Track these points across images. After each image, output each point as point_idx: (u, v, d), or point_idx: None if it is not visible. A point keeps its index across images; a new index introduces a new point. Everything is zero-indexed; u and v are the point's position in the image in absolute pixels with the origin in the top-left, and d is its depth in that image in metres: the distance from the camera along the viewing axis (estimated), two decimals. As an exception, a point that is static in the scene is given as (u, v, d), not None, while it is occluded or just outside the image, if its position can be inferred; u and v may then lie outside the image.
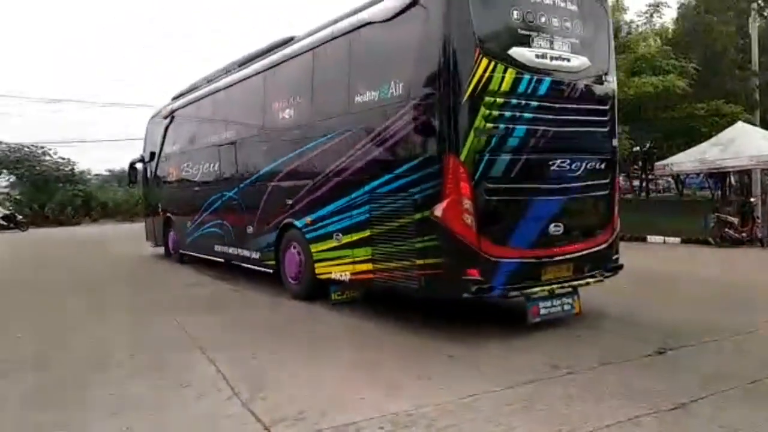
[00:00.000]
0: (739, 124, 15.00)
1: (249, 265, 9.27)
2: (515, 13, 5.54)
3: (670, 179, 29.32)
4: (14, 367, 5.13)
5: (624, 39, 16.95)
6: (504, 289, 5.52)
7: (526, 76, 5.54)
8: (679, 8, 21.07)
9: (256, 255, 8.88)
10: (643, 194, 27.08)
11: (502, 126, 5.46)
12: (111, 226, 27.60)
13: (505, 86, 5.42)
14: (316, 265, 7.32)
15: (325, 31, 7.19)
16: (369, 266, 6.32)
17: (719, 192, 24.32)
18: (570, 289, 5.98)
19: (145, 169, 14.36)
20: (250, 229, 8.94)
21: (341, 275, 6.84)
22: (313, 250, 7.32)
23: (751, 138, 13.95)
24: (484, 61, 5.30)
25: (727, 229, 13.20)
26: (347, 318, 6.74)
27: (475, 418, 3.68)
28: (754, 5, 19.35)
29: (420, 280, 5.66)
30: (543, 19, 5.69)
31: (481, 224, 5.35)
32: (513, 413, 3.74)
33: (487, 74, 5.31)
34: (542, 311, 5.72)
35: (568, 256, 5.94)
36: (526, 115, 5.57)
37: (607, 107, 6.34)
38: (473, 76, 5.27)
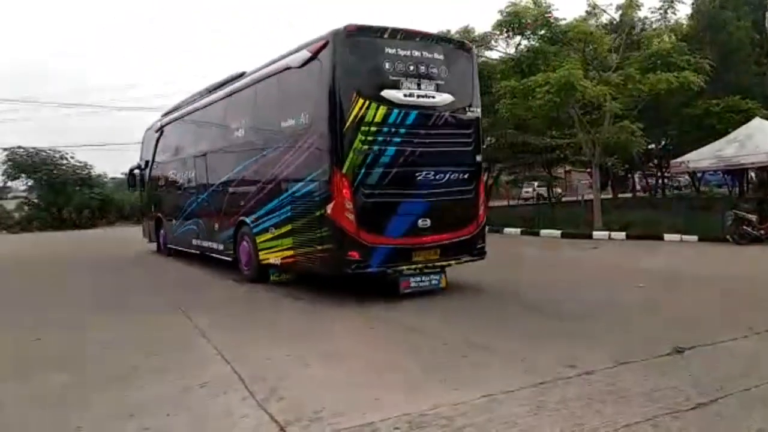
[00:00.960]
0: (757, 120, 14.81)
1: (216, 255, 11.20)
2: (387, 64, 7.50)
3: (687, 176, 29.01)
4: (33, 368, 5.21)
5: (637, 36, 16.80)
6: (379, 267, 7.49)
7: (395, 110, 7.48)
8: (693, 4, 20.84)
9: (221, 247, 10.87)
10: (659, 192, 26.85)
11: (375, 147, 7.40)
12: (126, 228, 27.82)
13: (378, 118, 7.37)
14: (260, 253, 9.18)
15: (263, 71, 9.22)
16: (291, 252, 8.33)
17: (737, 189, 24.03)
18: (438, 269, 7.98)
19: (141, 176, 16.25)
20: (216, 227, 11.01)
21: (275, 260, 8.77)
22: (257, 242, 9.23)
23: (769, 134, 13.77)
24: (360, 101, 7.25)
25: (745, 227, 13.01)
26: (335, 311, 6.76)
27: (491, 418, 3.67)
28: (770, -1, 19.16)
29: (318, 260, 7.72)
30: (411, 68, 7.66)
31: (359, 219, 7.28)
32: (529, 413, 3.71)
33: (362, 110, 7.26)
34: (412, 284, 7.78)
35: (435, 244, 7.85)
36: (396, 138, 7.53)
37: (470, 131, 8.31)
38: (352, 112, 7.21)
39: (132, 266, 13.70)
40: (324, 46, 7.48)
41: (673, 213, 16.04)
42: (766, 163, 13.92)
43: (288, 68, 8.30)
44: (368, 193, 7.37)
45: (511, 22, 16.26)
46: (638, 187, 32.31)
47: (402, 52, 7.62)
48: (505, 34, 17.08)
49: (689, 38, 17.39)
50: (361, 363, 5.03)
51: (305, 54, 7.85)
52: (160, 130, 14.38)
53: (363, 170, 7.34)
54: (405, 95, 7.52)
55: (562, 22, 16.27)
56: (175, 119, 13.42)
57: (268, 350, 5.42)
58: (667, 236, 14.21)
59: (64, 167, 31.99)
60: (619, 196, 29.98)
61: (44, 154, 31.69)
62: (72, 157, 32.47)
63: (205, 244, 11.67)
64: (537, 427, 3.52)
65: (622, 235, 14.97)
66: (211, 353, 5.43)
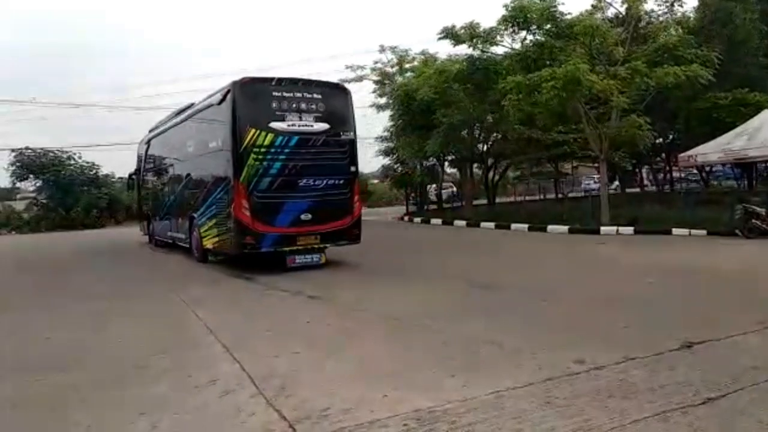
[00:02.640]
0: (765, 112, 14.73)
1: (181, 243, 14.07)
2: (274, 104, 10.35)
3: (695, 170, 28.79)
4: (43, 366, 5.24)
5: (644, 29, 16.68)
6: (268, 248, 10.36)
7: (280, 136, 10.33)
8: (700, -4, 20.68)
9: (183, 237, 13.77)
10: (667, 187, 26.69)
11: (264, 163, 10.27)
12: (133, 229, 27.97)
13: (266, 142, 10.24)
14: (202, 240, 12.23)
15: (198, 105, 12.57)
16: (216, 239, 11.49)
17: (746, 182, 23.85)
18: (318, 250, 10.84)
19: (137, 180, 19.63)
20: (179, 221, 13.96)
21: (210, 246, 11.94)
22: (201, 232, 12.24)
23: (778, 127, 13.66)
24: (253, 130, 10.17)
25: (754, 220, 12.92)
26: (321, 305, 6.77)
27: (499, 414, 3.66)
28: (779, -10, 18.98)
29: (229, 244, 10.84)
30: (294, 105, 10.52)
31: (253, 214, 10.15)
32: (538, 409, 3.71)
33: (255, 137, 10.18)
34: (297, 261, 10.64)
35: (315, 232, 10.62)
36: (281, 156, 10.37)
37: (344, 149, 11.07)
38: (246, 138, 10.15)
39: (124, 254, 16.90)
40: (228, 92, 10.50)
41: (682, 207, 15.93)
42: (775, 156, 13.84)
43: (210, 105, 11.49)
44: (260, 195, 10.25)
45: (517, 17, 16.19)
46: (645, 181, 32.13)
47: (286, 95, 10.53)
48: (511, 29, 17.00)
49: (696, 31, 17.28)
50: (366, 359, 5.03)
51: (218, 96, 10.97)
52: (147, 143, 17.69)
53: (255, 179, 10.21)
54: (288, 125, 10.42)
55: (568, 17, 16.19)
56: (155, 135, 16.78)
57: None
58: (675, 231, 14.12)
59: (71, 167, 32.17)
60: (627, 190, 29.87)
61: (52, 154, 31.91)
62: (79, 158, 32.68)
63: (175, 235, 14.67)
64: (545, 423, 3.51)
65: (629, 230, 14.90)
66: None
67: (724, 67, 15.84)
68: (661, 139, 23.34)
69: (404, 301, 7.72)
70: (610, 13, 17.93)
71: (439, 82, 20.12)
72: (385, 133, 27.04)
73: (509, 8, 16.22)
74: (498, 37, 17.71)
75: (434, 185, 30.34)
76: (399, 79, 26.36)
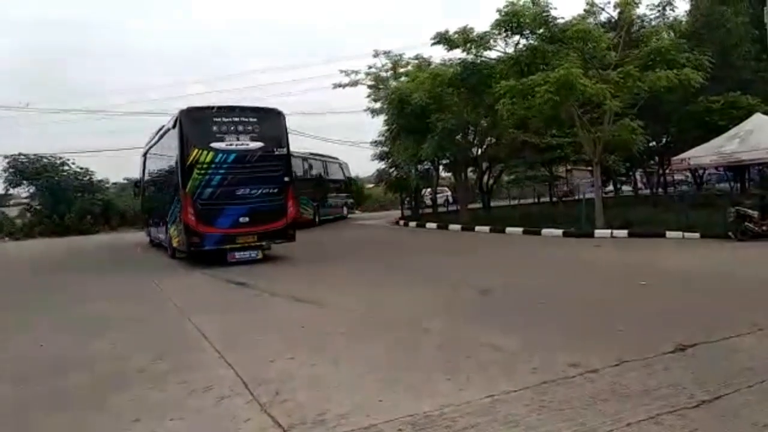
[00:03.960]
0: (757, 116, 14.81)
1: (163, 243, 16.01)
2: (214, 128, 12.32)
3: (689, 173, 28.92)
4: (37, 371, 5.22)
5: (636, 33, 16.77)
6: (211, 247, 12.41)
7: (220, 154, 12.28)
8: (691, 0, 20.82)
9: (163, 237, 15.85)
10: (660, 190, 26.79)
11: (206, 176, 12.21)
12: (125, 234, 27.87)
13: (208, 159, 12.22)
14: (171, 241, 14.29)
15: (164, 127, 14.54)
16: (177, 239, 13.47)
17: (738, 185, 23.98)
18: (256, 247, 12.81)
19: (141, 188, 21.36)
20: (161, 225, 15.81)
21: (175, 245, 13.94)
22: (170, 233, 14.27)
23: (770, 130, 13.75)
24: (196, 150, 12.17)
25: (747, 223, 12.98)
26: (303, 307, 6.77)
27: (494, 419, 3.67)
28: (769, -6, 19.11)
29: (182, 243, 12.85)
30: (232, 128, 12.47)
31: (197, 218, 12.15)
32: (532, 413, 3.72)
33: (198, 155, 12.17)
34: (237, 256, 12.62)
35: (253, 232, 12.57)
36: (221, 170, 12.30)
37: (278, 163, 12.90)
38: (191, 156, 12.16)
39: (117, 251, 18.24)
40: (178, 119, 12.53)
41: (675, 210, 16.00)
42: (766, 159, 13.92)
43: (169, 129, 13.60)
44: (203, 203, 12.25)
45: (510, 22, 16.26)
46: (639, 185, 32.25)
47: (225, 120, 12.47)
48: (504, 34, 17.06)
49: (688, 35, 17.35)
50: (361, 363, 5.02)
51: (172, 122, 13.00)
52: (144, 155, 19.63)
53: (198, 190, 12.21)
54: (226, 145, 12.39)
55: (561, 21, 16.27)
56: (147, 149, 18.68)
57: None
58: (669, 233, 14.17)
59: (65, 173, 32.02)
60: (622, 191, 29.95)
61: (45, 160, 31.72)
62: (73, 163, 32.54)
63: (160, 236, 16.51)
64: (539, 427, 3.52)
65: (623, 232, 14.95)
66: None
67: (716, 71, 15.93)
68: (654, 143, 23.43)
69: (399, 304, 7.72)
70: (603, 17, 18.01)
71: (433, 86, 20.16)
72: (380, 138, 27.05)
73: (502, 13, 16.27)
74: (491, 42, 17.75)
75: (429, 189, 30.37)
76: (393, 83, 26.40)
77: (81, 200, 31.07)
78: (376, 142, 27.81)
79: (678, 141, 21.31)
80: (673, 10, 17.32)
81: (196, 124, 12.42)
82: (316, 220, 25.22)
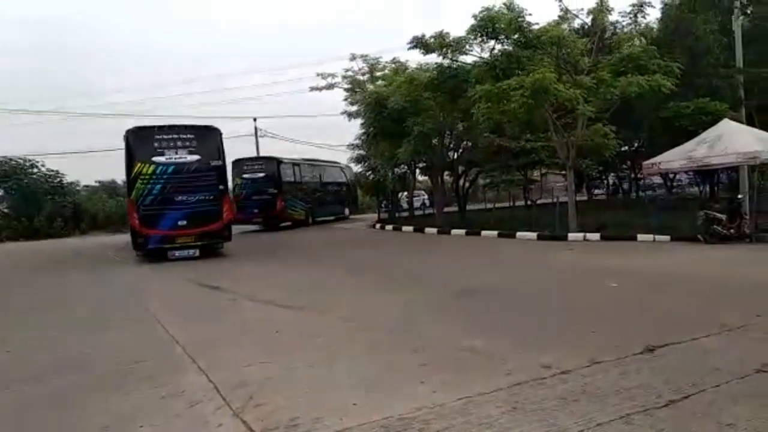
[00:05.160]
0: (725, 121, 15.11)
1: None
2: (155, 144, 14.07)
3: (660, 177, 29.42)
4: (2, 377, 5.10)
5: (609, 40, 17.06)
6: (153, 246, 14.31)
7: (160, 166, 14.05)
8: (662, 8, 21.26)
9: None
10: (633, 193, 27.24)
11: (148, 186, 14.04)
12: (97, 238, 27.40)
13: (150, 171, 14.04)
14: (131, 241, 15.48)
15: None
16: (131, 239, 15.05)
17: (707, 189, 24.52)
18: (194, 247, 14.61)
19: None
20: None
21: (132, 244, 15.21)
22: (132, 235, 15.22)
23: (738, 135, 14.05)
24: (139, 164, 14.08)
25: (715, 226, 13.28)
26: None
27: (468, 421, 3.69)
28: (737, 3, 19.58)
29: (134, 244, 14.71)
30: (171, 144, 14.19)
31: (141, 222, 14.08)
32: (504, 415, 3.75)
33: (141, 168, 14.06)
34: (177, 254, 14.38)
35: (190, 233, 14.38)
36: (161, 180, 14.09)
37: (213, 173, 14.63)
38: (135, 168, 14.09)
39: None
40: (126, 136, 14.40)
41: (646, 214, 16.31)
42: (734, 163, 14.26)
43: (124, 144, 14.88)
44: (145, 208, 14.18)
45: (485, 27, 16.41)
46: (612, 188, 32.78)
47: (165, 137, 14.28)
48: (480, 39, 17.21)
49: (659, 42, 17.70)
50: (336, 366, 5.00)
51: (123, 139, 14.63)
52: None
53: (141, 197, 14.17)
54: (166, 159, 14.18)
55: (535, 27, 16.47)
56: None
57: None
58: (640, 236, 14.44)
59: (34, 176, 31.35)
60: (595, 194, 30.40)
61: (14, 162, 31.03)
62: (42, 165, 31.87)
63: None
64: (512, 428, 3.55)
65: (596, 236, 15.17)
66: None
67: (686, 77, 16.27)
68: (626, 147, 23.84)
69: (375, 307, 7.71)
70: (577, 23, 18.30)
71: (410, 90, 20.24)
72: (357, 141, 27.06)
73: (478, 18, 16.43)
74: (467, 47, 17.90)
75: (406, 192, 30.46)
76: (370, 87, 26.43)
77: (51, 203, 30.44)
78: (353, 145, 27.82)
79: (649, 145, 21.70)
80: (645, 18, 17.61)
81: (140, 141, 14.29)
82: (310, 220, 27.12)
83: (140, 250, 14.91)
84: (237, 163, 25.21)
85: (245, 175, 25.21)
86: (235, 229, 25.80)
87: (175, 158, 14.22)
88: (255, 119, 39.30)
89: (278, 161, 25.45)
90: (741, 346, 5.16)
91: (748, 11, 19.71)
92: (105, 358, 5.69)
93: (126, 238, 17.63)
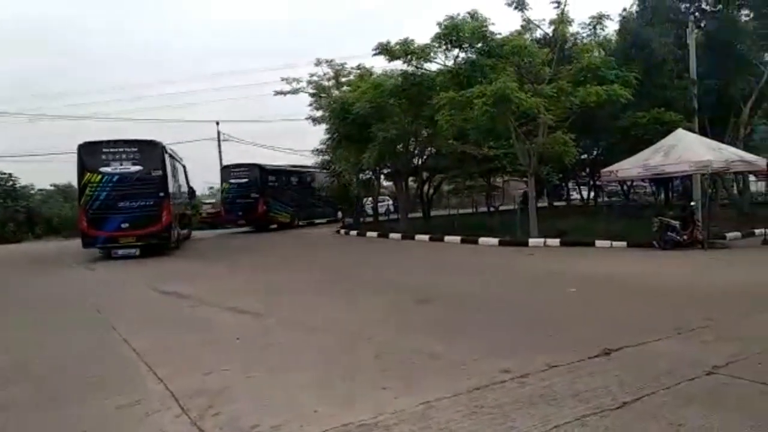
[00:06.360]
0: (680, 131, 15.62)
1: None
2: (103, 156, 16.22)
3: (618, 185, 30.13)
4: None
5: (569, 50, 17.47)
6: (99, 245, 16.74)
7: (107, 176, 16.18)
8: (620, 20, 21.87)
9: None
10: (592, 200, 27.84)
11: (95, 193, 16.18)
12: (51, 243, 26.59)
13: (97, 180, 16.19)
14: None
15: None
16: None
17: (662, 196, 25.27)
18: (135, 246, 16.44)
19: None
20: None
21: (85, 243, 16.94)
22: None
23: (691, 144, 14.56)
24: (88, 174, 16.27)
25: (669, 233, 13.69)
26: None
27: (428, 425, 3.72)
28: (691, 17, 20.30)
29: (83, 243, 16.70)
30: (117, 156, 16.30)
31: (89, 224, 16.28)
32: (464, 419, 3.79)
33: (89, 177, 16.25)
34: (120, 253, 16.44)
35: (132, 235, 16.22)
36: (107, 188, 16.18)
37: (154, 182, 16.45)
38: (84, 178, 16.32)
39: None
40: (78, 150, 16.22)
41: (605, 220, 16.71)
42: (688, 172, 14.74)
43: (77, 156, 16.49)
44: (92, 212, 16.15)
45: (450, 35, 16.62)
46: (572, 195, 33.47)
47: (113, 150, 16.26)
48: (444, 47, 17.42)
49: (617, 53, 18.23)
50: (297, 373, 4.97)
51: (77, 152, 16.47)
52: None
53: (89, 203, 16.16)
54: (111, 169, 16.18)
55: (498, 36, 16.76)
56: None
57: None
58: (598, 242, 14.78)
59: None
60: (555, 204, 31.00)
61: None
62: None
63: None
64: (472, 432, 3.60)
65: (556, 242, 15.47)
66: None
67: (642, 88, 16.76)
68: (585, 155, 24.37)
69: (338, 313, 7.70)
70: (538, 34, 18.69)
71: (375, 96, 20.32)
72: (322, 146, 26.98)
73: (442, 26, 16.64)
74: (432, 54, 18.10)
75: (370, 198, 30.52)
76: (335, 92, 26.42)
77: (2, 207, 29.41)
78: (317, 150, 27.73)
79: (608, 153, 22.20)
80: (603, 30, 18.12)
81: (90, 153, 16.24)
82: (296, 222, 28.88)
83: (88, 248, 16.85)
84: (224, 169, 28.17)
85: (231, 180, 27.33)
86: (222, 230, 28.26)
87: (120, 169, 16.27)
88: (218, 123, 38.81)
89: (261, 167, 27.39)
90: (692, 348, 5.33)
91: (702, 25, 20.46)
92: (56, 368, 5.53)
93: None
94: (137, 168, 16.36)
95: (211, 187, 40.72)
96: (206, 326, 7.33)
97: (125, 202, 16.18)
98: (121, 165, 16.24)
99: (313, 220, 30.64)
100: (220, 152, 37.94)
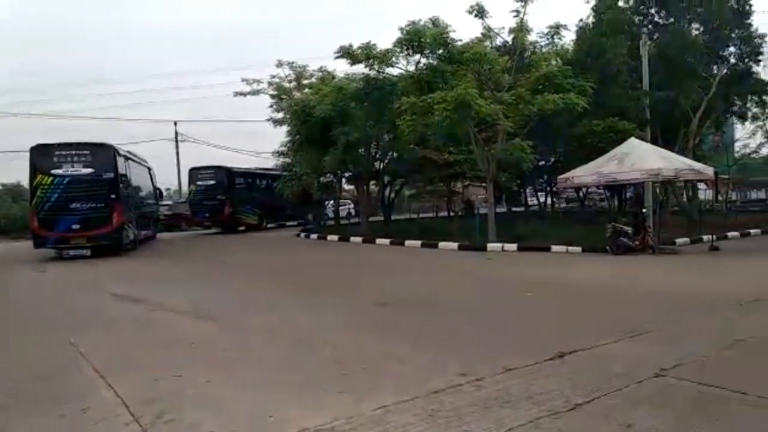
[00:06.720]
0: (633, 140, 16.09)
1: None
2: (55, 159, 16.35)
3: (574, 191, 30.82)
4: None
5: (528, 59, 17.81)
6: (50, 245, 16.77)
7: (58, 178, 16.29)
8: (577, 31, 22.44)
9: None
10: (549, 206, 28.39)
11: (47, 195, 16.30)
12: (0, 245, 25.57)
13: (48, 182, 16.31)
14: None
15: None
16: None
17: (616, 203, 25.98)
18: (86, 247, 16.56)
19: None
20: None
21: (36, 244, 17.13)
22: None
23: (643, 153, 15.02)
24: (40, 175, 16.39)
25: (622, 238, 14.10)
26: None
27: (385, 429, 3.72)
28: (644, 29, 21.00)
29: (34, 243, 16.82)
30: (68, 159, 16.39)
31: (40, 225, 16.45)
32: (421, 422, 3.80)
33: (41, 179, 16.36)
34: (71, 253, 16.55)
35: (83, 236, 16.38)
36: (59, 189, 16.30)
37: (105, 184, 16.64)
38: (36, 179, 16.46)
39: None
40: (30, 151, 16.52)
41: (561, 226, 17.08)
42: (640, 179, 15.20)
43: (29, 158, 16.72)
44: (44, 213, 16.32)
45: (411, 41, 16.75)
46: (531, 201, 34.05)
47: (65, 153, 16.40)
48: (406, 52, 17.53)
49: (573, 62, 18.68)
50: (252, 378, 4.90)
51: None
52: None
53: (40, 204, 16.32)
54: (63, 171, 16.32)
55: (459, 43, 16.97)
56: None
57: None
58: (554, 248, 15.10)
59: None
60: (513, 210, 31.50)
61: None
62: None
63: None
64: (428, 436, 3.61)
65: (513, 246, 15.72)
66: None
67: (597, 97, 17.23)
68: (543, 162, 24.87)
69: (295, 317, 7.63)
70: (498, 41, 18.99)
71: (337, 99, 20.29)
72: (282, 148, 26.75)
73: (404, 32, 16.75)
74: (393, 59, 18.20)
75: (332, 201, 30.42)
76: (297, 94, 26.25)
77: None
78: (278, 152, 27.48)
79: (564, 160, 22.70)
80: (561, 39, 18.60)
81: (42, 155, 16.42)
82: (264, 224, 29.06)
83: (39, 248, 16.87)
84: (192, 171, 27.99)
85: (198, 182, 27.38)
86: (189, 232, 28.37)
87: (71, 171, 16.41)
88: (176, 123, 38.10)
89: (228, 170, 27.54)
90: (642, 351, 5.49)
91: (655, 37, 21.19)
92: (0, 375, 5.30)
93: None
94: (88, 170, 16.56)
95: (168, 189, 39.85)
96: (159, 330, 7.18)
97: (76, 204, 16.34)
98: (73, 167, 16.40)
99: (284, 222, 30.66)
100: (177, 153, 37.29)
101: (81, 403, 4.40)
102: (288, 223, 30.43)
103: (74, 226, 16.33)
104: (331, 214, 30.61)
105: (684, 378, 4.61)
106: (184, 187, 38.95)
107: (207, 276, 12.85)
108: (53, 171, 16.32)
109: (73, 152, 16.50)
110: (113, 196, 16.84)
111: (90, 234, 16.48)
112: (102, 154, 17.00)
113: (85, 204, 16.42)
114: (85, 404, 4.37)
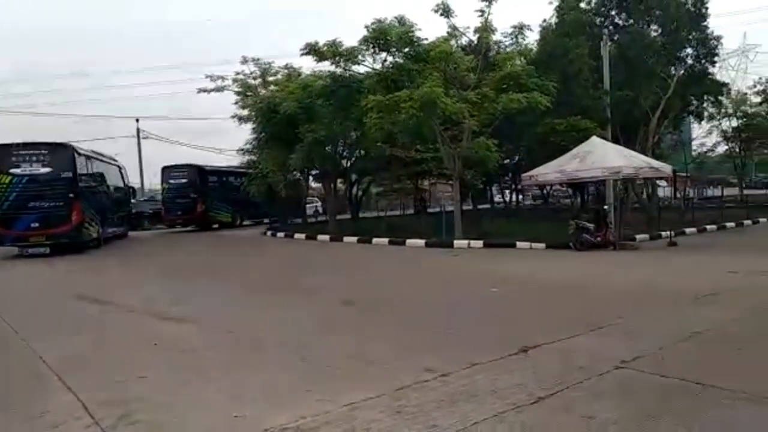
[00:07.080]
0: (594, 138, 16.42)
1: None
2: (14, 158, 16.53)
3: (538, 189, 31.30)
4: None
5: (493, 58, 18.01)
6: (9, 244, 16.78)
7: (17, 177, 16.52)
8: (540, 31, 22.78)
9: None
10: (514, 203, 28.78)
11: (6, 194, 16.51)
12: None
13: (7, 181, 16.49)
14: None
15: None
16: None
17: (579, 200, 26.50)
18: (45, 245, 16.54)
19: None
20: None
21: None
22: None
23: (605, 151, 15.35)
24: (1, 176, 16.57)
25: (584, 235, 14.40)
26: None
27: (351, 426, 3.73)
28: (605, 30, 21.44)
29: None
30: (27, 158, 16.58)
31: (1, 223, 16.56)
32: (388, 419, 3.83)
33: (0, 179, 16.46)
34: (30, 251, 16.54)
35: (42, 234, 16.46)
36: (17, 189, 16.51)
37: (63, 183, 16.73)
38: None
39: None
40: None
41: (525, 223, 17.34)
42: (601, 177, 15.54)
43: None
44: (2, 212, 16.44)
45: (377, 39, 16.74)
46: (496, 198, 34.48)
47: (23, 152, 16.57)
48: (372, 50, 17.52)
49: (537, 62, 18.93)
50: (216, 378, 4.85)
51: None
52: None
53: (0, 203, 16.46)
54: (21, 171, 16.52)
55: (425, 42, 17.04)
56: None
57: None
58: (519, 244, 15.33)
59: None
60: (479, 207, 31.84)
61: None
62: None
63: None
64: (395, 431, 3.63)
65: (479, 243, 15.90)
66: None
67: (560, 96, 17.49)
68: (508, 160, 25.18)
69: (261, 316, 7.59)
70: (464, 41, 19.13)
71: (303, 96, 20.15)
72: (248, 146, 26.45)
73: (370, 30, 16.73)
74: (360, 57, 18.15)
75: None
76: (262, 91, 25.97)
77: None
78: (243, 150, 27.17)
79: (528, 159, 23.03)
80: (524, 39, 18.81)
81: (2, 157, 16.55)
82: (238, 222, 29.26)
83: None
84: (165, 169, 27.64)
85: (171, 181, 27.25)
86: (164, 229, 28.02)
87: (30, 170, 16.63)
88: (138, 120, 37.31)
89: (200, 168, 27.65)
90: (603, 345, 5.63)
91: (615, 38, 21.66)
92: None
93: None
94: (47, 170, 16.74)
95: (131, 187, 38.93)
96: (121, 331, 7.02)
97: (35, 203, 16.55)
98: (31, 167, 16.63)
99: (262, 220, 30.54)
100: (139, 150, 36.52)
101: (39, 407, 4.29)
102: (265, 221, 30.31)
103: (33, 225, 16.48)
104: (310, 213, 30.59)
105: (643, 370, 4.75)
106: (150, 186, 38.11)
107: (171, 275, 12.63)
108: (12, 170, 16.55)
109: (32, 152, 16.71)
110: (72, 195, 16.91)
111: (49, 232, 16.59)
112: (60, 153, 17.13)
113: (44, 203, 16.61)
114: (44, 408, 4.26)
